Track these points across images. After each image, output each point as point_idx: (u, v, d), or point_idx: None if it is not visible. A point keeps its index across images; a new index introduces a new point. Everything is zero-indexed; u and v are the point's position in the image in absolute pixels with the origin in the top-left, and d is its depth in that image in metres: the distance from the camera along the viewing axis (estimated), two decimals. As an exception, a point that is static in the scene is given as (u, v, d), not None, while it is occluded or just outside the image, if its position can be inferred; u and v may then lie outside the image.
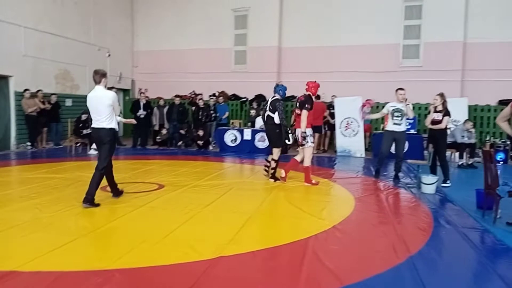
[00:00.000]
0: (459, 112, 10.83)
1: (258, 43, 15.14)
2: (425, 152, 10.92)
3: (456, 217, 5.21)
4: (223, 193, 6.26)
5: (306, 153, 7.10)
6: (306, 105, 6.87)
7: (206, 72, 15.64)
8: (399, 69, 13.70)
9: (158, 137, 13.06)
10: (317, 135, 12.22)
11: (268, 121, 7.39)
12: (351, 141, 11.27)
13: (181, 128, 13.01)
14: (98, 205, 5.34)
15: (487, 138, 11.94)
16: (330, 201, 6.25)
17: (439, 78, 12.86)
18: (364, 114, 8.58)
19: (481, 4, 13.06)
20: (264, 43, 15.00)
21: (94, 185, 5.34)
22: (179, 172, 8.22)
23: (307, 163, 7.11)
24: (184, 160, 10.11)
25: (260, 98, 14.52)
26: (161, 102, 13.83)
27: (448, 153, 8.78)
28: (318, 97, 12.35)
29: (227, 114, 13.78)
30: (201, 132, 12.53)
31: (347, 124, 11.37)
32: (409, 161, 8.65)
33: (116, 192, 5.86)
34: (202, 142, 12.52)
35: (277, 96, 7.40)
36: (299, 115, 6.96)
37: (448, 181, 7.16)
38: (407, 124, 11.34)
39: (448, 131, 7.97)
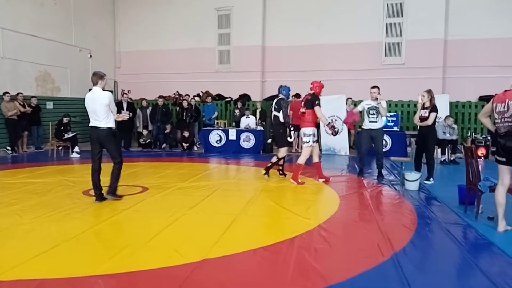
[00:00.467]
0: (440, 109, 10.87)
1: (242, 43, 15.11)
2: (408, 149, 11.06)
3: (439, 213, 5.28)
4: (208, 195, 6.22)
5: (304, 152, 7.23)
6: (316, 102, 7.05)
7: (190, 72, 15.54)
8: (381, 67, 13.83)
9: (141, 139, 12.94)
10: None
11: (275, 120, 7.55)
12: (335, 139, 11.32)
13: (165, 129, 12.91)
14: (121, 197, 5.84)
15: (469, 134, 12.14)
16: (315, 200, 6.26)
17: (421, 76, 13.02)
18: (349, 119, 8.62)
19: (461, 2, 13.25)
20: (248, 42, 14.98)
21: (114, 178, 5.80)
22: (164, 174, 8.15)
23: (301, 160, 7.19)
24: (169, 162, 10.03)
25: (244, 98, 14.50)
26: (144, 103, 13.70)
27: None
28: (298, 95, 12.41)
29: (216, 114, 13.71)
30: (186, 133, 12.46)
31: (331, 122, 11.41)
32: (392, 158, 8.74)
33: (100, 197, 5.78)
34: (187, 143, 12.44)
35: (282, 96, 7.55)
36: (303, 113, 7.10)
37: (431, 179, 7.25)
38: (390, 121, 11.60)
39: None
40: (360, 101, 7.77)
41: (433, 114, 7.07)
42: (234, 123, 12.96)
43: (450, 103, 12.35)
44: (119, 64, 16.67)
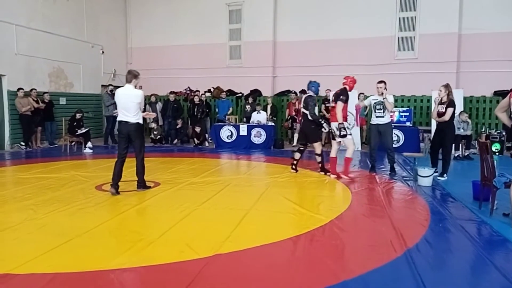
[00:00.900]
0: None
1: (253, 38, 15.04)
2: (421, 144, 10.94)
3: (453, 209, 5.22)
4: (220, 190, 6.23)
5: (348, 145, 7.18)
6: (341, 97, 7.00)
7: (201, 67, 15.53)
8: (394, 62, 13.67)
9: (152, 135, 12.97)
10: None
11: (304, 117, 7.58)
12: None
13: (176, 124, 12.94)
14: (149, 187, 6.29)
15: (483, 130, 11.95)
16: (327, 196, 6.22)
17: (434, 70, 12.84)
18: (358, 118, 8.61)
19: (476, -5, 13.03)
20: (259, 37, 14.90)
21: (141, 174, 6.17)
22: (175, 169, 8.19)
23: (349, 154, 7.17)
24: (180, 157, 10.07)
25: (255, 93, 14.47)
26: (153, 99, 13.73)
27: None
28: (304, 91, 12.34)
29: (230, 110, 13.70)
30: (198, 129, 12.46)
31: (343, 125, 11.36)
32: (405, 153, 8.64)
33: (116, 188, 5.94)
34: (199, 140, 12.45)
35: (310, 93, 7.52)
36: (333, 107, 7.06)
37: (445, 175, 7.14)
38: (403, 116, 11.48)
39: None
40: (367, 96, 7.71)
41: (450, 110, 6.90)
42: (245, 119, 12.95)
43: (464, 98, 12.17)
44: (131, 60, 16.72)
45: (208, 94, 14.40)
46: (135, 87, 6.03)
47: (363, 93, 12.21)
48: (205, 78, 15.32)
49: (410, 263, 3.42)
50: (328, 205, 5.44)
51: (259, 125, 12.04)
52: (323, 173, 7.61)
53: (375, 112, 7.65)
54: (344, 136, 7.09)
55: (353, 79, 7.23)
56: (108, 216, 4.87)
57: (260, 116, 12.32)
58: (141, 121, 6.04)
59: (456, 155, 9.78)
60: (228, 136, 12.19)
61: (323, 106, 12.24)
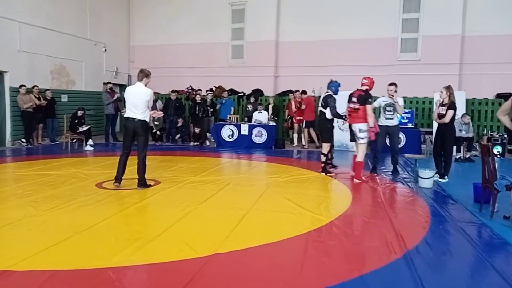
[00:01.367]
0: (457, 106, 10.77)
1: (255, 37, 15.03)
2: (423, 146, 10.93)
3: (453, 211, 5.20)
4: (220, 189, 6.22)
5: (361, 149, 7.12)
6: (369, 99, 6.97)
7: (203, 66, 15.53)
8: (396, 63, 13.65)
9: (153, 127, 12.88)
10: (306, 129, 12.22)
11: (320, 116, 7.63)
12: (348, 135, 11.21)
13: (177, 123, 12.92)
14: (150, 185, 6.28)
15: (485, 132, 11.93)
16: (327, 196, 6.22)
17: (437, 72, 12.82)
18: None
19: (479, -3, 12.99)
20: (262, 37, 14.89)
21: (142, 172, 6.19)
22: (176, 168, 8.18)
23: (360, 157, 7.12)
24: (181, 156, 10.07)
25: (257, 93, 14.46)
26: (153, 97, 13.69)
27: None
28: (305, 92, 12.35)
29: (232, 109, 13.69)
30: (197, 129, 12.43)
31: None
32: (406, 155, 8.64)
33: (119, 181, 6.16)
34: (199, 140, 12.41)
35: (330, 92, 7.52)
36: (357, 109, 6.96)
37: (446, 177, 7.11)
38: (404, 118, 11.45)
39: None
40: (375, 98, 7.65)
41: (450, 112, 6.87)
42: (246, 118, 12.94)
43: (467, 100, 12.14)
44: (133, 58, 16.73)
45: (207, 93, 14.33)
46: (146, 86, 6.14)
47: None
48: (207, 77, 15.30)
49: (410, 265, 3.41)
50: (328, 206, 5.43)
51: (260, 125, 12.03)
52: (323, 173, 7.60)
53: (384, 113, 7.63)
54: (363, 138, 7.06)
55: (372, 80, 7.20)
56: (108, 214, 4.86)
57: (261, 116, 12.31)
58: (147, 119, 6.15)
59: (457, 157, 9.76)
60: (229, 135, 12.18)
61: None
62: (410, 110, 12.06)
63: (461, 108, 11.07)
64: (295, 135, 12.67)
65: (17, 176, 7.39)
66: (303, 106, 12.13)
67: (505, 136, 10.71)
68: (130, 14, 16.68)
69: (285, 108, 13.64)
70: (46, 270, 3.17)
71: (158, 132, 12.86)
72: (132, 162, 6.23)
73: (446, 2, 13.10)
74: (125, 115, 6.18)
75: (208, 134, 13.07)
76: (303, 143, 12.37)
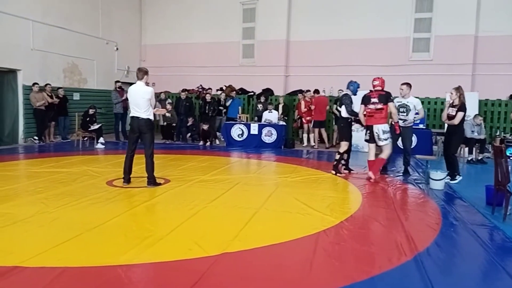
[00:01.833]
0: (469, 107, 10.58)
1: (266, 37, 15.01)
2: (434, 147, 10.81)
3: (465, 213, 5.13)
4: (229, 188, 6.23)
5: (386, 148, 7.07)
6: (390, 97, 6.96)
7: (214, 66, 15.57)
8: (408, 63, 13.53)
9: (165, 119, 12.90)
10: (317, 130, 12.17)
11: (337, 115, 7.58)
12: (359, 136, 11.12)
13: (187, 122, 12.96)
14: (159, 184, 6.30)
15: (498, 133, 11.77)
16: (337, 197, 6.17)
17: (449, 72, 12.68)
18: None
19: (493, -3, 12.82)
20: (273, 36, 14.86)
21: (150, 170, 6.20)
22: (185, 166, 8.21)
23: (386, 155, 7.10)
24: (191, 155, 10.10)
25: (267, 92, 14.45)
26: (162, 96, 13.76)
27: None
28: (317, 91, 12.29)
29: (240, 109, 13.70)
30: (205, 126, 12.41)
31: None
32: (417, 156, 8.56)
33: (128, 180, 6.27)
34: (208, 139, 12.39)
35: (347, 91, 7.55)
36: (380, 109, 6.88)
37: (457, 177, 7.00)
38: (416, 119, 11.35)
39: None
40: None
41: (460, 114, 6.77)
42: (256, 118, 12.94)
43: (479, 101, 12.00)
44: (145, 57, 16.83)
45: (220, 93, 14.35)
46: (147, 83, 6.21)
47: (341, 90, 12.12)
48: (217, 76, 15.33)
49: (420, 267, 3.37)
50: (338, 206, 5.40)
51: (270, 124, 12.01)
52: (334, 172, 7.57)
53: (398, 114, 7.58)
54: (386, 139, 7.01)
55: (383, 80, 7.16)
56: (118, 212, 4.90)
57: (271, 115, 12.29)
58: (151, 117, 6.19)
59: (469, 158, 9.65)
60: (239, 134, 12.19)
61: (334, 106, 12.15)
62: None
63: (473, 109, 10.95)
64: (305, 135, 12.63)
65: (29, 173, 7.48)
66: (313, 107, 12.09)
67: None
68: (142, 13, 16.78)
69: (295, 108, 13.61)
70: (57, 266, 3.20)
71: (165, 123, 12.84)
72: (142, 161, 6.26)
73: (459, 2, 12.95)
74: (130, 115, 6.28)
75: (218, 133, 13.09)
76: (313, 143, 12.32)
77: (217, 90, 14.70)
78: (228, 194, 5.92)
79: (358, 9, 13.94)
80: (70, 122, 12.43)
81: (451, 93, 6.97)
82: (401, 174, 7.72)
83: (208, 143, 12.33)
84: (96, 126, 11.56)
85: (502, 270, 3.41)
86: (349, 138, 7.69)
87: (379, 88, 7.06)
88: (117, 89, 13.04)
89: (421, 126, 11.40)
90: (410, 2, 13.55)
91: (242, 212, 4.93)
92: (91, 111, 11.69)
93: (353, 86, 7.57)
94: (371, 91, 7.14)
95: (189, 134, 12.95)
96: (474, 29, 12.90)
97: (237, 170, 8.66)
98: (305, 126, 12.52)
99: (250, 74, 15.22)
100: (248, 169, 8.81)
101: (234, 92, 14.18)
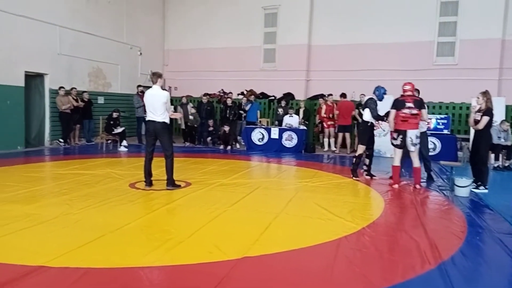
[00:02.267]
0: (496, 112, 10.28)
1: (287, 41, 15.01)
2: (459, 153, 10.58)
3: (491, 221, 5.00)
4: (249, 192, 6.23)
5: (416, 155, 6.96)
6: (424, 104, 6.92)
7: (235, 70, 15.64)
8: (433, 67, 13.30)
9: (188, 122, 13.01)
10: (341, 134, 12.05)
11: (360, 118, 7.72)
12: (381, 141, 10.98)
13: (209, 126, 13.04)
14: (179, 186, 6.39)
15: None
16: (358, 202, 6.10)
17: (475, 77, 12.40)
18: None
19: (521, 0, 12.50)
20: (294, 41, 14.85)
21: (169, 171, 6.29)
22: (206, 170, 8.25)
23: (418, 162, 6.97)
24: (212, 158, 10.15)
25: (288, 97, 14.43)
26: (184, 100, 13.88)
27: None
28: (344, 95, 12.16)
29: (259, 113, 13.72)
30: (226, 128, 12.44)
31: (377, 123, 11.15)
32: (442, 162, 8.38)
33: (150, 183, 6.36)
34: (228, 143, 12.42)
35: (373, 96, 7.56)
36: (416, 115, 6.78)
37: (482, 187, 6.75)
38: (440, 124, 11.14)
39: None
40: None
41: (485, 118, 6.61)
42: (276, 122, 12.91)
43: (506, 107, 11.68)
44: (167, 62, 17.05)
45: (241, 97, 14.40)
46: (162, 87, 6.30)
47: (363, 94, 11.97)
48: (238, 81, 15.40)
49: (445, 276, 3.29)
50: (359, 212, 5.33)
51: (290, 129, 11.98)
52: (352, 177, 7.55)
53: None
54: (416, 145, 6.91)
55: (413, 84, 7.03)
56: (140, 214, 4.96)
57: (292, 120, 12.26)
58: (167, 121, 6.27)
59: (495, 165, 9.40)
60: (259, 138, 12.20)
61: (357, 110, 12.03)
62: (446, 115, 11.72)
63: (500, 115, 10.65)
64: (326, 140, 12.54)
65: (55, 175, 7.65)
66: (337, 112, 12.01)
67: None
68: (165, 18, 17.00)
69: (316, 112, 13.53)
70: (80, 267, 3.25)
71: (188, 124, 12.93)
72: (163, 163, 6.33)
73: (486, 6, 12.67)
74: (146, 118, 6.35)
75: (238, 137, 13.13)
76: (334, 148, 12.22)
77: (238, 94, 14.76)
78: (249, 198, 5.92)
79: (380, 13, 13.80)
80: (95, 125, 12.69)
81: (478, 98, 6.82)
82: (425, 180, 7.56)
83: (228, 147, 12.38)
84: (119, 130, 11.76)
85: (531, 281, 3.30)
86: (366, 142, 7.62)
87: (410, 93, 6.94)
88: (139, 93, 13.23)
89: (445, 131, 11.19)
90: (434, 6, 13.34)
91: (262, 216, 4.92)
92: (115, 115, 11.90)
93: (379, 91, 7.48)
94: (402, 95, 6.97)
95: (209, 138, 13.03)
96: (501, 33, 12.60)
97: (258, 174, 8.66)
98: (326, 130, 12.43)
99: (271, 78, 15.23)
100: (269, 173, 8.80)
101: (253, 96, 14.19)
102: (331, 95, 12.56)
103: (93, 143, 12.50)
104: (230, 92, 14.36)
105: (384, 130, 10.39)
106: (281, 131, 11.99)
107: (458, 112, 12.87)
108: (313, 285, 3.11)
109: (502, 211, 5.44)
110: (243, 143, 12.76)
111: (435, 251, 3.84)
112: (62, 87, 11.64)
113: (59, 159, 9.57)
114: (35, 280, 3.04)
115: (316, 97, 14.29)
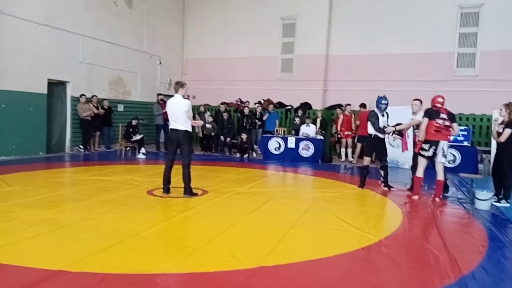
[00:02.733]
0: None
1: (305, 51, 15.05)
2: (480, 166, 10.38)
3: (513, 236, 4.88)
4: (266, 201, 6.22)
5: (442, 168, 6.81)
6: (455, 118, 6.85)
7: (253, 79, 15.73)
8: (453, 78, 13.14)
9: (205, 131, 13.08)
10: (359, 145, 11.94)
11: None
12: (399, 151, 10.86)
13: (227, 136, 13.10)
14: (196, 194, 6.42)
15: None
16: (376, 214, 6.03)
17: (496, 88, 12.18)
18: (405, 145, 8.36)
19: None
20: (312, 51, 14.88)
21: (187, 179, 6.33)
22: (223, 178, 8.28)
23: (442, 175, 6.83)
24: (228, 167, 10.19)
25: (305, 106, 14.41)
26: (202, 109, 14.00)
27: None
28: (364, 105, 12.07)
29: (277, 122, 13.75)
30: (244, 136, 12.48)
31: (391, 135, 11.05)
32: (462, 174, 8.24)
33: (168, 190, 6.41)
34: (245, 152, 12.43)
35: (375, 108, 7.64)
36: (449, 127, 6.67)
37: (503, 201, 6.59)
38: (460, 135, 10.95)
39: None
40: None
41: (507, 131, 6.47)
42: (293, 131, 12.92)
43: (529, 119, 11.42)
44: (186, 71, 17.25)
45: (258, 106, 14.45)
46: (184, 96, 6.36)
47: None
48: (256, 90, 15.47)
49: (465, 291, 3.22)
50: (377, 224, 5.27)
51: (307, 138, 11.96)
52: (387, 188, 7.59)
53: (413, 131, 7.36)
54: (445, 157, 6.82)
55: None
56: (157, 221, 5.00)
57: (309, 129, 12.24)
58: (189, 129, 6.34)
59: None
60: (276, 148, 12.20)
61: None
62: (466, 127, 11.54)
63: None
64: (343, 150, 12.46)
65: (75, 180, 7.79)
66: (357, 122, 11.93)
67: None
68: (184, 27, 17.24)
69: (333, 122, 13.47)
70: (99, 272, 3.29)
71: (205, 132, 13.03)
72: (180, 171, 6.38)
73: (507, 16, 12.49)
74: (169, 127, 6.43)
75: (255, 146, 13.15)
76: (351, 158, 12.13)
77: (255, 103, 14.82)
78: (265, 207, 5.91)
79: (399, 23, 13.73)
80: (114, 132, 12.88)
81: (501, 110, 6.70)
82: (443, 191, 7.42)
83: (245, 156, 12.40)
84: (138, 137, 11.92)
85: (555, 298, 3.20)
86: (370, 154, 7.66)
87: (437, 105, 6.81)
88: (159, 101, 13.41)
89: (465, 143, 11.00)
90: (455, 17, 13.22)
91: (278, 225, 4.90)
92: (134, 122, 12.07)
93: (378, 102, 7.57)
94: (435, 106, 6.82)
95: (226, 148, 13.08)
96: (524, 44, 12.39)
97: (274, 183, 8.65)
98: (343, 140, 12.35)
99: (288, 88, 15.26)
100: (285, 183, 8.78)
101: (272, 106, 14.23)
102: (349, 105, 12.50)
103: (112, 150, 12.68)
104: (247, 101, 14.43)
105: (394, 140, 10.17)
106: (298, 141, 11.97)
107: (478, 124, 12.66)
108: (329, 296, 3.08)
109: (525, 226, 5.31)
110: (259, 152, 12.78)
111: (455, 265, 3.77)
112: (83, 95, 11.88)
113: (79, 165, 9.74)
114: (54, 284, 3.09)
115: (333, 107, 14.23)
